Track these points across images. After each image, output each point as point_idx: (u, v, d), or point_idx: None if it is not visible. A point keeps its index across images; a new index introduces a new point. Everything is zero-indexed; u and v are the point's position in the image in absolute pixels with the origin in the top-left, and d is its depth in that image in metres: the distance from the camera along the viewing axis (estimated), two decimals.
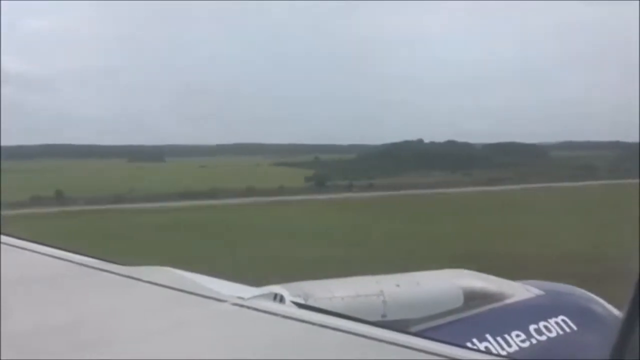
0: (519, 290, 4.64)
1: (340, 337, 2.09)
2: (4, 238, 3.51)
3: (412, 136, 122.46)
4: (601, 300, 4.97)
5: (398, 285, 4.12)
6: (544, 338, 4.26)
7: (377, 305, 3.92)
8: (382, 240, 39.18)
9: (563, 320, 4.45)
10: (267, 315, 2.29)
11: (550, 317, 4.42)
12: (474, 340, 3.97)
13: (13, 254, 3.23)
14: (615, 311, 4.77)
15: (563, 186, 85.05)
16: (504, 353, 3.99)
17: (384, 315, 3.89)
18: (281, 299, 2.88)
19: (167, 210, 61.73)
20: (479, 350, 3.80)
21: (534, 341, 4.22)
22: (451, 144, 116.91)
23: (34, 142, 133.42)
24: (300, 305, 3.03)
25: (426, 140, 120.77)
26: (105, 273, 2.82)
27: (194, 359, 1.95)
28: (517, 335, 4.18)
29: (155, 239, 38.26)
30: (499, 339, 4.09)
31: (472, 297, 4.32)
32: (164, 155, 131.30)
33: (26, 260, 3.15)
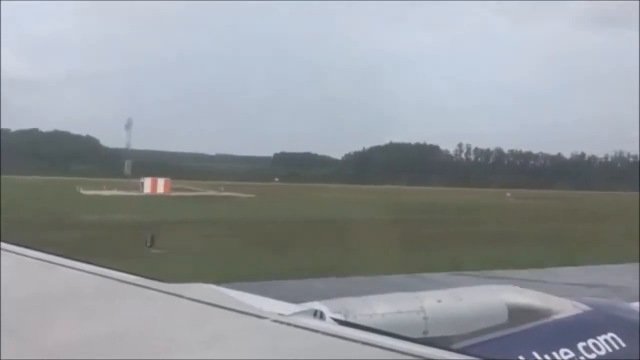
0: (566, 306, 4.51)
1: (382, 354, 2.06)
2: (29, 252, 3.57)
3: None
4: None
5: (439, 301, 4.06)
6: (593, 357, 4.12)
7: (419, 322, 3.86)
8: None
9: (612, 338, 4.30)
10: (307, 332, 2.28)
11: (600, 335, 4.27)
12: (520, 357, 3.86)
13: (44, 270, 3.29)
14: None
15: None
16: None
17: (425, 332, 3.83)
18: (321, 316, 2.86)
19: None
20: None
21: None
22: None
23: None
24: (341, 322, 3.00)
25: None
26: (144, 289, 2.86)
27: None
28: (566, 353, 4.04)
29: None
30: (546, 356, 3.96)
31: (517, 313, 4.22)
32: None
33: (57, 276, 3.20)
